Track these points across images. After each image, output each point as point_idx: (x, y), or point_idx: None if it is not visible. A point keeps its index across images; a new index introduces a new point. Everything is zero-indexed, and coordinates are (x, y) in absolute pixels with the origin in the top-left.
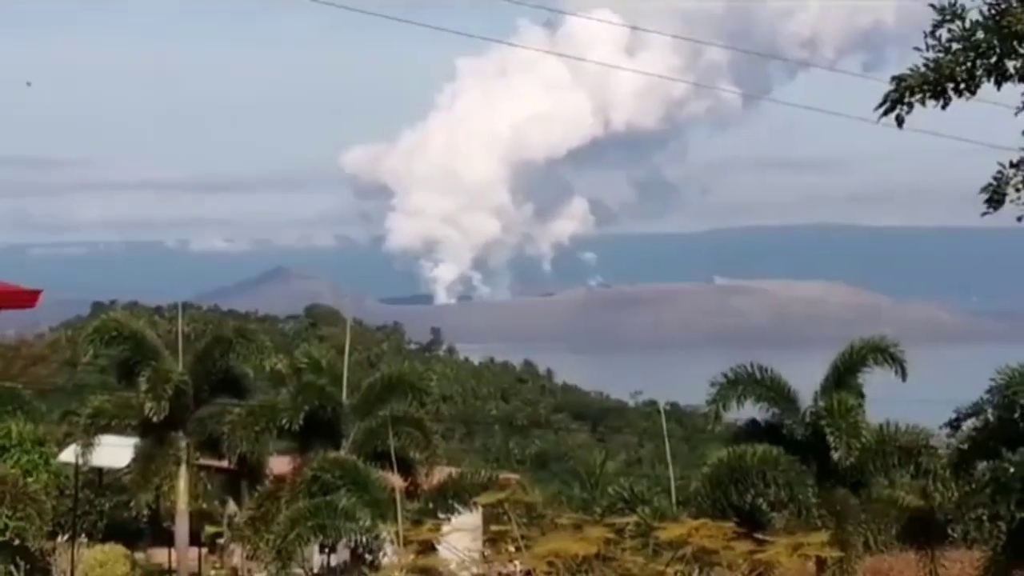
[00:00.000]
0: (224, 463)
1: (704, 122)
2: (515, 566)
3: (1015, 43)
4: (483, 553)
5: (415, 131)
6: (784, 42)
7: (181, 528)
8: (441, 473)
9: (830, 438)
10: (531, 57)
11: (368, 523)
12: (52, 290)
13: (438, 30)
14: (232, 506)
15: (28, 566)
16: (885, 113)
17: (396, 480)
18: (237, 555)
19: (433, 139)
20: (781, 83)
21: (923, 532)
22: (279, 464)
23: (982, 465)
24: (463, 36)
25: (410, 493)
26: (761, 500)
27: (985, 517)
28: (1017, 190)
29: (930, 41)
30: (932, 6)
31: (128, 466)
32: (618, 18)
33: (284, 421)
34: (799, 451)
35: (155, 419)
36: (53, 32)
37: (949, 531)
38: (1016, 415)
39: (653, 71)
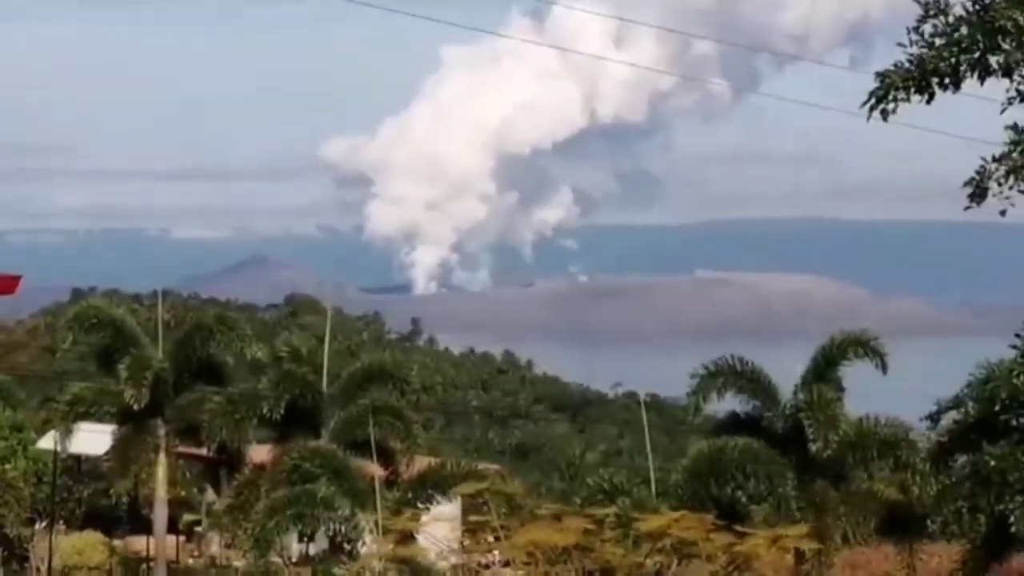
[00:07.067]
0: (203, 451)
1: (691, 114)
2: (494, 556)
3: (999, 38)
4: (462, 543)
5: (398, 121)
6: (773, 35)
7: (160, 516)
8: (421, 463)
9: (809, 431)
10: (517, 47)
11: (347, 512)
12: (32, 277)
13: (422, 19)
14: (211, 494)
15: (6, 552)
16: (871, 109)
17: (376, 469)
18: (215, 543)
19: (416, 129)
20: (769, 77)
21: (901, 525)
22: (259, 452)
23: (962, 459)
24: (447, 25)
25: (390, 482)
26: (741, 492)
27: (965, 510)
28: (1000, 184)
29: (914, 36)
30: (917, 1)
31: (107, 453)
32: (606, 9)
33: (264, 410)
34: (779, 444)
35: (134, 406)
36: (30, 19)
37: (928, 524)
38: (996, 408)
39: (640, 63)
